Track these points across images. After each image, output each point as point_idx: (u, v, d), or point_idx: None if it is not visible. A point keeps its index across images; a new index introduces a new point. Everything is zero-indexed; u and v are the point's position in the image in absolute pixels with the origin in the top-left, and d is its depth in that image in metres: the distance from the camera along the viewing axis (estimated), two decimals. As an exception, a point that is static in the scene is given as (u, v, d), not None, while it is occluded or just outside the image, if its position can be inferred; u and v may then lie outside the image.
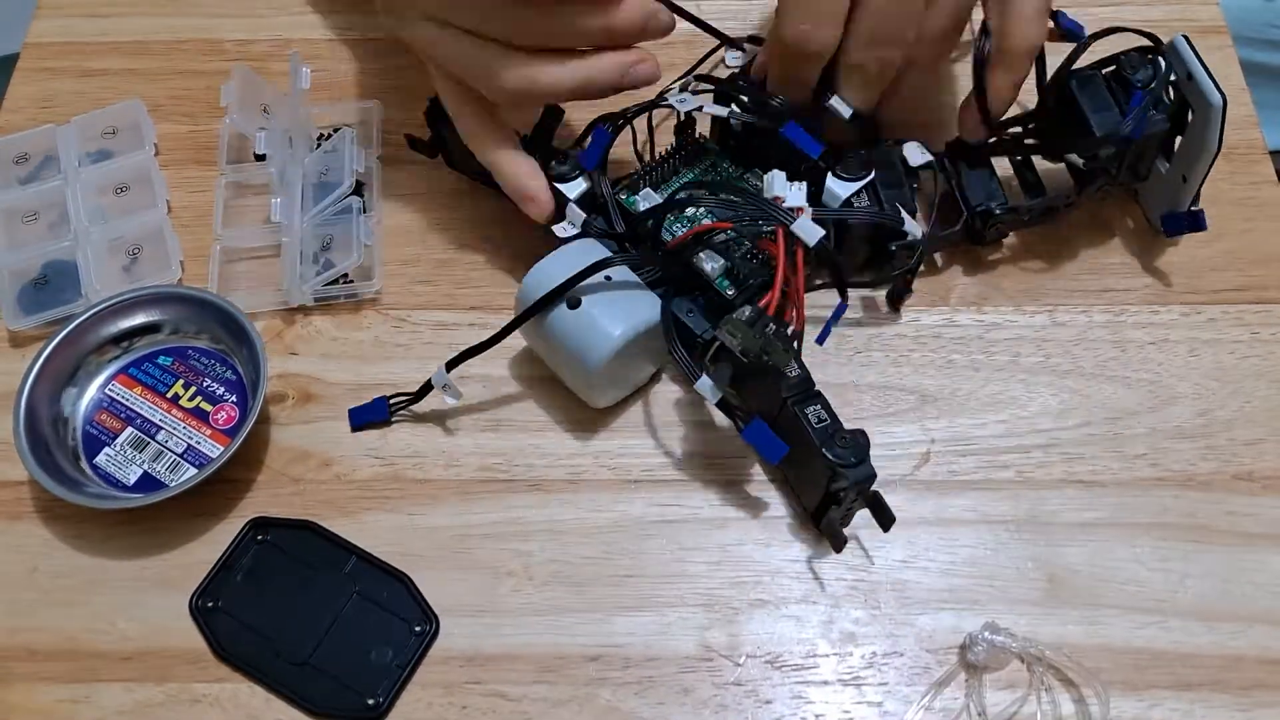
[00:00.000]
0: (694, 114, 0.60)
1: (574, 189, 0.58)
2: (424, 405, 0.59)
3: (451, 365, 0.56)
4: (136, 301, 0.59)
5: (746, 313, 0.50)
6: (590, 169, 0.58)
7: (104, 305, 0.59)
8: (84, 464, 0.57)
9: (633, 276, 0.55)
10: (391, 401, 0.58)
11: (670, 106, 0.60)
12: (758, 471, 0.57)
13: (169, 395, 0.58)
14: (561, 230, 0.57)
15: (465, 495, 0.57)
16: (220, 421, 0.58)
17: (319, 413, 0.59)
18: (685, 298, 0.56)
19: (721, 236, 0.55)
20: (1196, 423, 0.58)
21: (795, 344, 0.51)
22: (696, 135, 0.62)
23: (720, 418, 0.58)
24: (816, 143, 0.57)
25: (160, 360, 0.60)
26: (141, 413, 0.58)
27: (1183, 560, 0.54)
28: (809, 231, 0.51)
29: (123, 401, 0.58)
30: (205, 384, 0.59)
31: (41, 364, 0.57)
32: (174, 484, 0.55)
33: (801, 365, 0.52)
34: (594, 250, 0.56)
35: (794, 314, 0.51)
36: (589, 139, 0.59)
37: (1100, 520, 0.55)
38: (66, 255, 0.62)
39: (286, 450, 0.58)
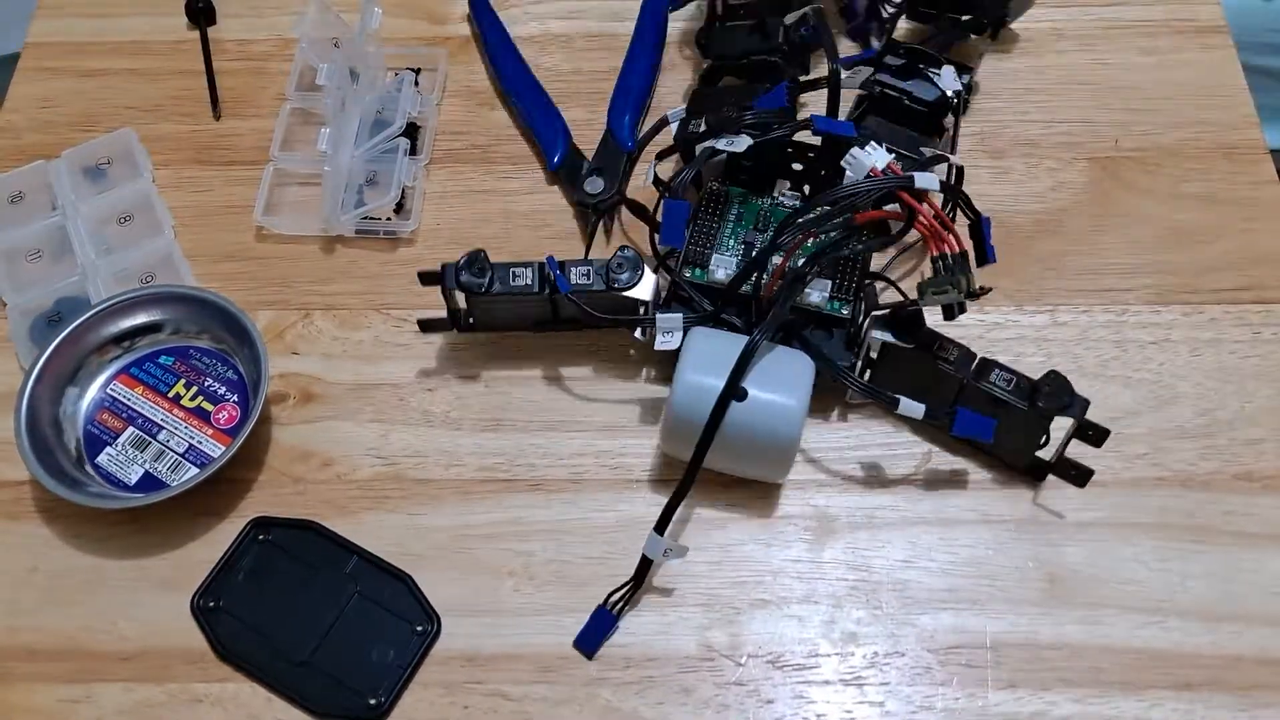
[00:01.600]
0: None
1: (643, 292, 0.55)
2: (425, 405, 0.59)
3: (661, 527, 0.52)
4: (138, 301, 0.59)
5: (932, 269, 0.51)
6: (680, 245, 0.56)
7: (105, 305, 0.59)
8: (85, 464, 0.57)
9: (742, 341, 0.53)
10: (611, 605, 0.53)
11: (722, 150, 0.56)
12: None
13: (170, 395, 0.58)
14: (664, 344, 0.54)
15: (466, 495, 0.57)
16: (221, 421, 0.58)
17: (320, 412, 0.59)
18: (805, 335, 0.55)
19: (801, 262, 0.54)
20: (1197, 423, 0.58)
21: (966, 262, 0.52)
22: (706, 186, 0.60)
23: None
24: (845, 123, 0.56)
25: (162, 360, 0.60)
26: (143, 412, 0.58)
27: (1183, 560, 0.54)
28: (928, 180, 0.51)
29: (124, 401, 0.58)
30: (207, 384, 0.59)
31: (43, 364, 0.57)
32: (175, 484, 0.55)
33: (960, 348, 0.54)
34: (713, 339, 0.54)
35: (953, 240, 0.51)
36: (662, 218, 0.56)
37: (1100, 520, 0.55)
38: (77, 290, 0.62)
39: (288, 450, 0.58)
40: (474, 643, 0.53)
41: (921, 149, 0.61)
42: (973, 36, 0.69)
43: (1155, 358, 0.60)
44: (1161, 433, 0.57)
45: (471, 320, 0.59)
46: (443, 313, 0.58)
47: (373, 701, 0.51)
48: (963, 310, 0.53)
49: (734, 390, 0.50)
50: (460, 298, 0.57)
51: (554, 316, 0.59)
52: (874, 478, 0.57)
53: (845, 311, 0.56)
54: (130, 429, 0.57)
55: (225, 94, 0.70)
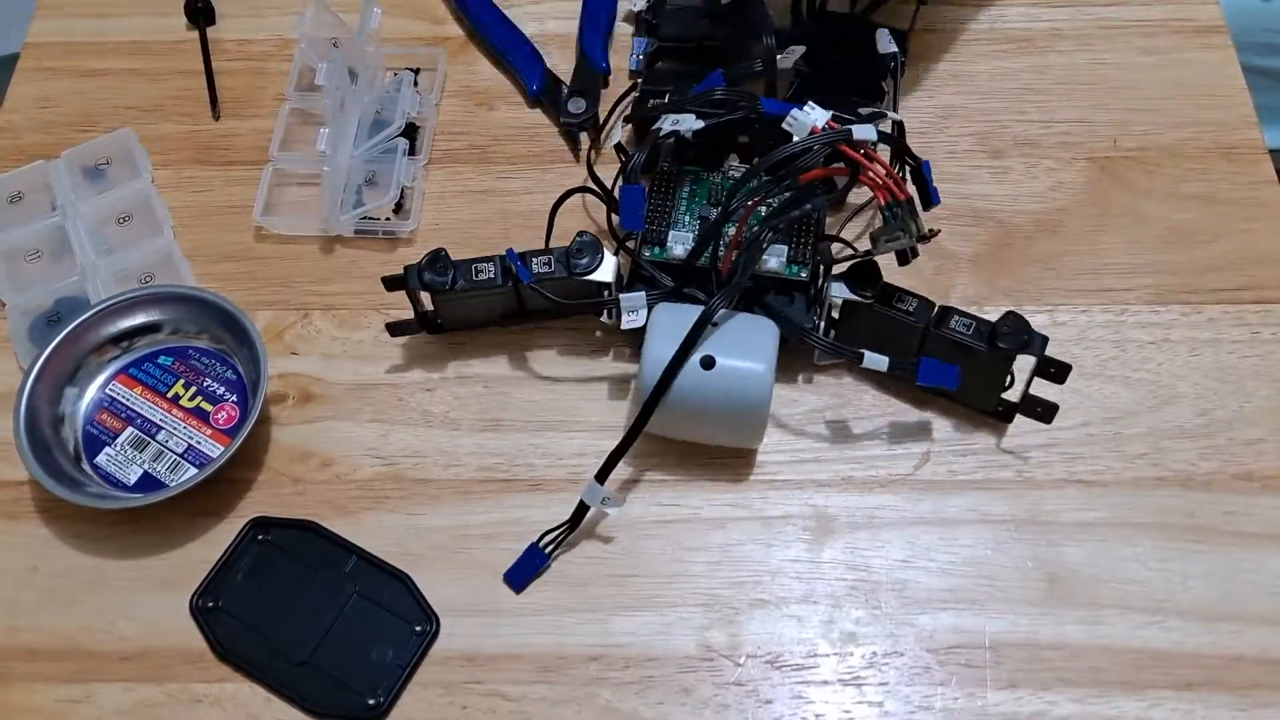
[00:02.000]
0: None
1: (605, 274, 0.56)
2: (424, 405, 0.59)
3: (602, 476, 0.53)
4: (137, 301, 0.59)
5: (882, 220, 0.53)
6: (641, 228, 0.57)
7: (104, 305, 0.59)
8: (84, 464, 0.57)
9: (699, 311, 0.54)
10: (544, 544, 0.54)
11: (671, 132, 0.57)
12: (758, 472, 0.57)
13: (169, 395, 0.58)
14: (630, 323, 0.55)
15: (465, 495, 0.57)
16: (221, 421, 0.58)
17: (319, 412, 0.59)
18: (766, 301, 0.56)
19: (755, 229, 0.55)
20: (1196, 423, 0.58)
21: (913, 207, 0.53)
22: (658, 167, 0.61)
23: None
24: (787, 103, 0.57)
25: (161, 360, 0.60)
26: (142, 412, 0.58)
27: (1183, 560, 0.54)
28: (867, 132, 0.53)
29: (123, 401, 0.58)
30: (206, 384, 0.59)
31: (42, 364, 0.57)
32: (174, 484, 0.55)
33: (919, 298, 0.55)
34: (677, 313, 0.54)
35: (895, 187, 0.53)
36: (619, 203, 0.57)
37: (1100, 520, 0.55)
38: (76, 290, 0.62)
39: (287, 450, 0.58)
40: (473, 643, 0.53)
41: (859, 110, 0.61)
42: None
43: (1154, 358, 0.60)
44: (1161, 433, 0.57)
45: (439, 320, 0.59)
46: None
47: (372, 701, 0.51)
48: (915, 255, 0.55)
49: (688, 352, 0.52)
50: (426, 298, 0.57)
51: (520, 308, 0.59)
52: (873, 478, 0.57)
53: (804, 274, 0.57)
54: (129, 429, 0.57)
55: (225, 94, 0.70)
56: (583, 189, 0.63)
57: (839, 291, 0.55)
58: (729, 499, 0.56)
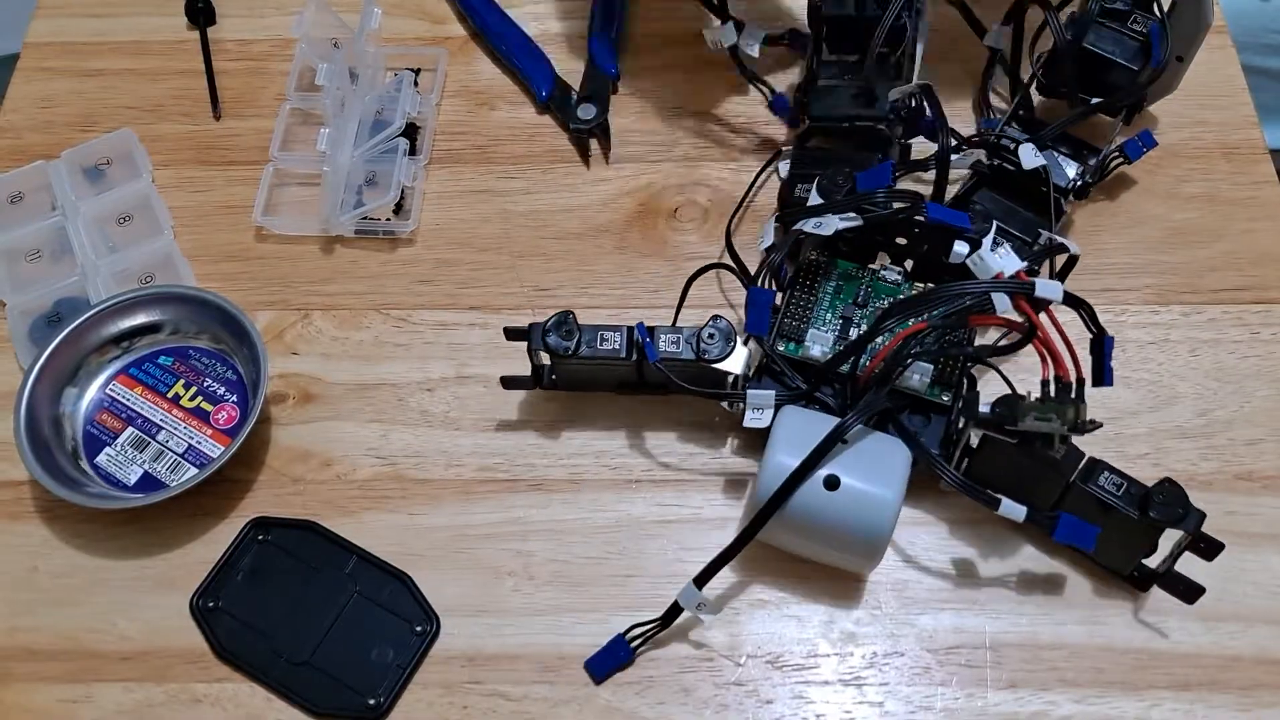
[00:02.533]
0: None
1: (734, 365, 0.53)
2: (424, 405, 0.59)
3: (701, 581, 0.50)
4: (137, 301, 0.59)
5: (1040, 392, 0.49)
6: (764, 333, 0.54)
7: (105, 305, 0.59)
8: (85, 464, 0.57)
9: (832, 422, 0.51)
10: (631, 638, 0.52)
11: (812, 234, 0.54)
12: (757, 472, 0.57)
13: (170, 395, 0.58)
14: (753, 421, 0.52)
15: (465, 495, 0.57)
16: (221, 421, 0.58)
17: (319, 412, 0.59)
18: (900, 420, 0.53)
19: (912, 346, 0.52)
20: (1197, 423, 0.58)
21: (1079, 393, 0.49)
22: (803, 255, 0.58)
23: (719, 415, 0.58)
24: (959, 212, 0.54)
25: (161, 360, 0.60)
26: (142, 413, 0.58)
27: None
28: (1052, 290, 0.49)
29: (123, 401, 0.58)
30: (206, 384, 0.59)
31: (42, 364, 0.57)
32: (175, 484, 0.55)
33: (1071, 447, 0.51)
34: (806, 420, 0.52)
35: (1067, 364, 0.49)
36: (746, 306, 0.54)
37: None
38: (76, 291, 0.62)
39: (287, 450, 0.58)
40: (473, 643, 0.53)
41: (1039, 230, 0.58)
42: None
43: (1155, 358, 0.60)
44: (1161, 433, 0.57)
45: (554, 378, 0.57)
46: (522, 368, 0.57)
47: (372, 701, 0.51)
48: (1065, 443, 0.50)
49: (812, 468, 0.49)
50: (544, 355, 0.56)
51: (639, 380, 0.57)
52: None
53: (946, 398, 0.54)
54: (129, 429, 0.57)
55: (225, 94, 0.70)
56: (720, 265, 0.60)
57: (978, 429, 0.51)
58: (729, 499, 0.56)
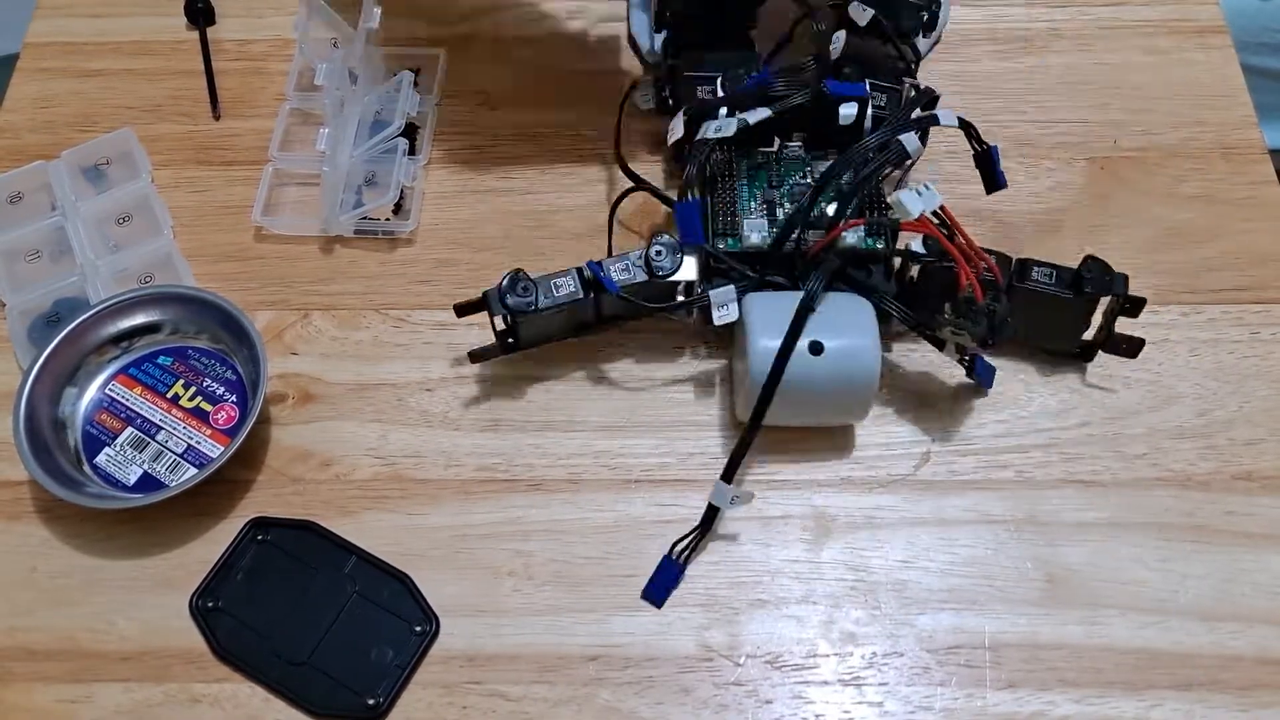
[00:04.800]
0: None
1: (687, 273, 0.56)
2: (423, 405, 0.59)
3: (728, 476, 0.53)
4: (137, 301, 0.59)
5: (952, 307, 0.53)
6: (701, 242, 0.56)
7: (104, 305, 0.59)
8: (84, 464, 0.57)
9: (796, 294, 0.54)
10: (677, 554, 0.54)
11: (719, 139, 0.57)
12: (758, 472, 0.57)
13: (169, 395, 0.58)
14: (723, 318, 0.55)
15: (465, 495, 0.57)
16: (220, 421, 0.58)
17: (319, 412, 0.59)
18: (850, 275, 0.56)
19: (833, 210, 0.56)
20: (1196, 423, 0.58)
21: (999, 282, 0.53)
22: (708, 154, 0.59)
23: (718, 415, 0.58)
24: (853, 84, 0.59)
25: (160, 360, 0.60)
26: (141, 413, 0.58)
27: (1183, 560, 0.54)
28: (947, 117, 0.56)
29: (123, 401, 0.58)
30: (205, 384, 0.59)
31: (42, 364, 0.57)
32: (174, 484, 0.55)
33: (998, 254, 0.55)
34: (770, 301, 0.54)
35: (976, 281, 0.52)
36: (675, 221, 0.57)
37: (1100, 520, 0.55)
38: (75, 291, 0.62)
39: (286, 450, 0.58)
40: (473, 643, 0.53)
41: (903, 77, 0.61)
42: None
43: (1154, 358, 0.60)
44: (1161, 433, 0.57)
45: (513, 341, 0.58)
46: (482, 338, 0.57)
47: (371, 702, 0.51)
48: (978, 354, 0.55)
49: (794, 341, 0.52)
50: (501, 319, 0.56)
51: (597, 317, 0.58)
52: (873, 478, 0.57)
53: (880, 245, 0.57)
54: (129, 429, 0.57)
55: (225, 94, 0.70)
56: (641, 187, 0.62)
57: (918, 246, 0.55)
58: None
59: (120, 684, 0.52)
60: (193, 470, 0.56)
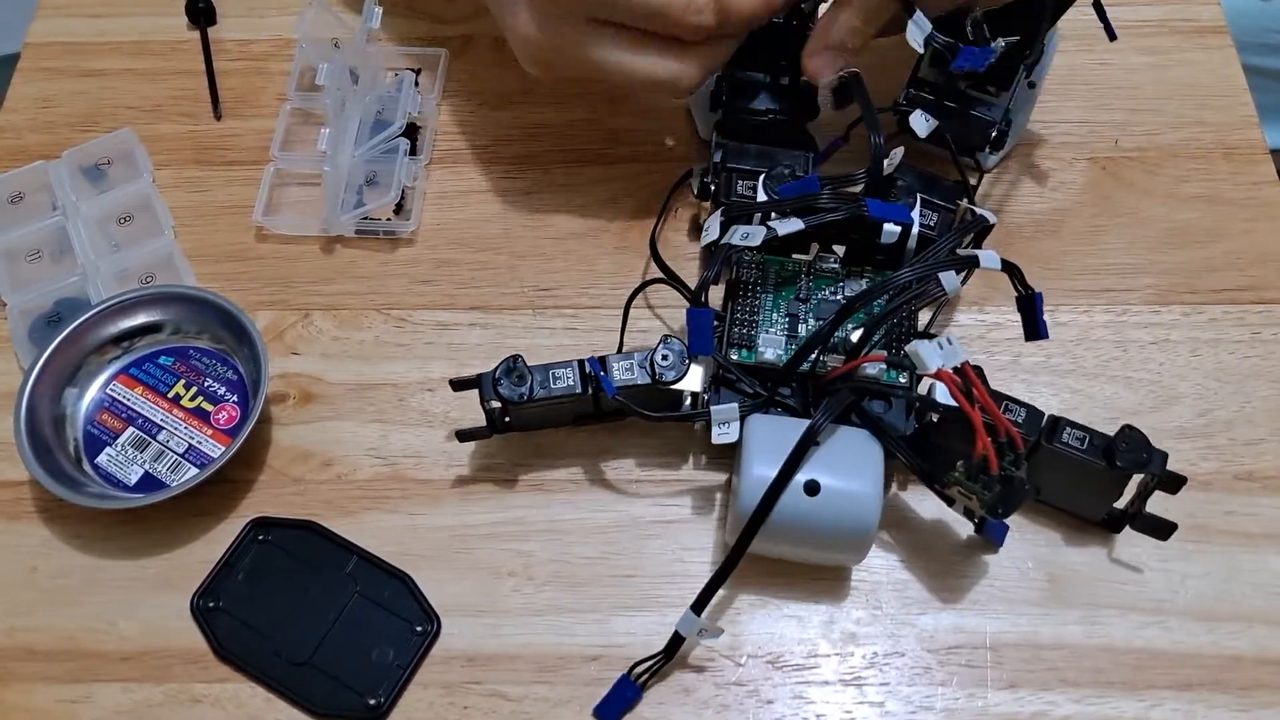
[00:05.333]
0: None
1: (692, 383, 0.53)
2: (424, 405, 0.59)
3: (699, 607, 0.50)
4: (138, 301, 0.59)
5: (966, 470, 0.49)
6: (709, 353, 0.53)
7: (105, 305, 0.59)
8: (85, 464, 0.57)
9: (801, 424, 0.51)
10: (636, 675, 0.51)
11: (748, 248, 0.54)
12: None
13: (170, 395, 0.58)
14: (722, 437, 0.52)
15: (465, 495, 0.57)
16: (221, 421, 0.58)
17: (320, 412, 0.59)
18: (864, 408, 0.52)
19: (858, 336, 0.53)
20: (1197, 423, 0.58)
21: (1020, 449, 0.49)
22: (735, 259, 0.58)
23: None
24: (897, 205, 0.55)
25: (161, 360, 0.60)
26: (143, 413, 0.58)
27: (1183, 560, 0.54)
28: (990, 260, 0.51)
29: (124, 401, 0.58)
30: (206, 384, 0.59)
31: (42, 364, 0.57)
32: (175, 484, 0.55)
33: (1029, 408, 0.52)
34: (774, 426, 0.51)
35: (992, 453, 0.48)
36: (687, 327, 0.53)
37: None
38: (76, 291, 0.62)
39: (287, 450, 0.58)
40: (473, 643, 0.53)
41: (957, 198, 0.58)
42: None
43: (1155, 358, 0.60)
44: (1162, 433, 0.57)
45: (508, 420, 0.56)
46: (476, 419, 0.56)
47: (372, 702, 0.51)
48: (979, 521, 0.52)
49: (789, 476, 0.49)
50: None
51: (596, 412, 0.57)
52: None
53: (903, 379, 0.54)
54: (130, 429, 0.57)
55: (225, 94, 0.70)
56: (667, 280, 0.59)
57: (943, 396, 0.50)
58: (729, 499, 0.56)
59: (120, 684, 0.52)
60: (194, 470, 0.56)
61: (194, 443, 0.57)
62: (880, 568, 0.54)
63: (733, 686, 0.52)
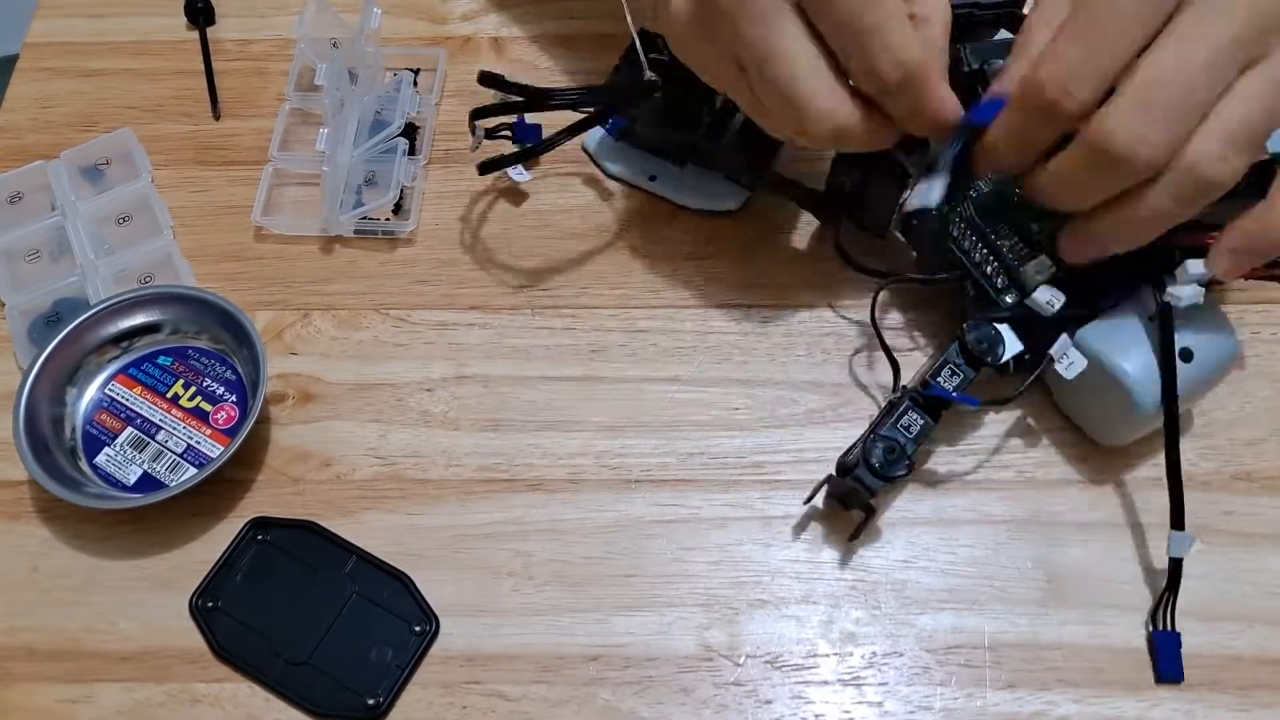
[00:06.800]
0: None
1: (1013, 346, 0.53)
2: (424, 405, 0.59)
3: (1179, 522, 0.52)
4: (137, 301, 0.59)
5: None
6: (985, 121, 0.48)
7: (104, 305, 0.59)
8: (84, 464, 0.57)
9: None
10: (1160, 621, 0.52)
11: (923, 206, 0.51)
12: (758, 472, 0.57)
13: (169, 395, 0.58)
14: (1072, 368, 0.52)
15: (465, 495, 0.57)
16: (220, 421, 0.58)
17: (319, 412, 0.59)
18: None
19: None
20: (1197, 423, 0.58)
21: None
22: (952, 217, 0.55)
23: (718, 415, 0.58)
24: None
25: (160, 360, 0.60)
26: (141, 413, 0.58)
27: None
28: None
29: (123, 401, 0.58)
30: (205, 384, 0.59)
31: (41, 364, 0.57)
32: (174, 484, 0.55)
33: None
34: (1103, 331, 0.52)
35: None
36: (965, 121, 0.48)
37: (1100, 520, 0.55)
38: (75, 291, 0.62)
39: (286, 450, 0.58)
40: (473, 643, 0.53)
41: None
42: None
43: (1155, 357, 0.59)
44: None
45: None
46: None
47: (371, 702, 0.51)
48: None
49: (1173, 354, 0.50)
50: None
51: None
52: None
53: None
54: (129, 429, 0.57)
55: (225, 94, 0.70)
56: (901, 279, 0.58)
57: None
58: (729, 499, 0.56)
59: (121, 684, 0.52)
60: (193, 470, 0.56)
61: (193, 443, 0.57)
62: (879, 568, 0.54)
63: (731, 686, 0.52)
